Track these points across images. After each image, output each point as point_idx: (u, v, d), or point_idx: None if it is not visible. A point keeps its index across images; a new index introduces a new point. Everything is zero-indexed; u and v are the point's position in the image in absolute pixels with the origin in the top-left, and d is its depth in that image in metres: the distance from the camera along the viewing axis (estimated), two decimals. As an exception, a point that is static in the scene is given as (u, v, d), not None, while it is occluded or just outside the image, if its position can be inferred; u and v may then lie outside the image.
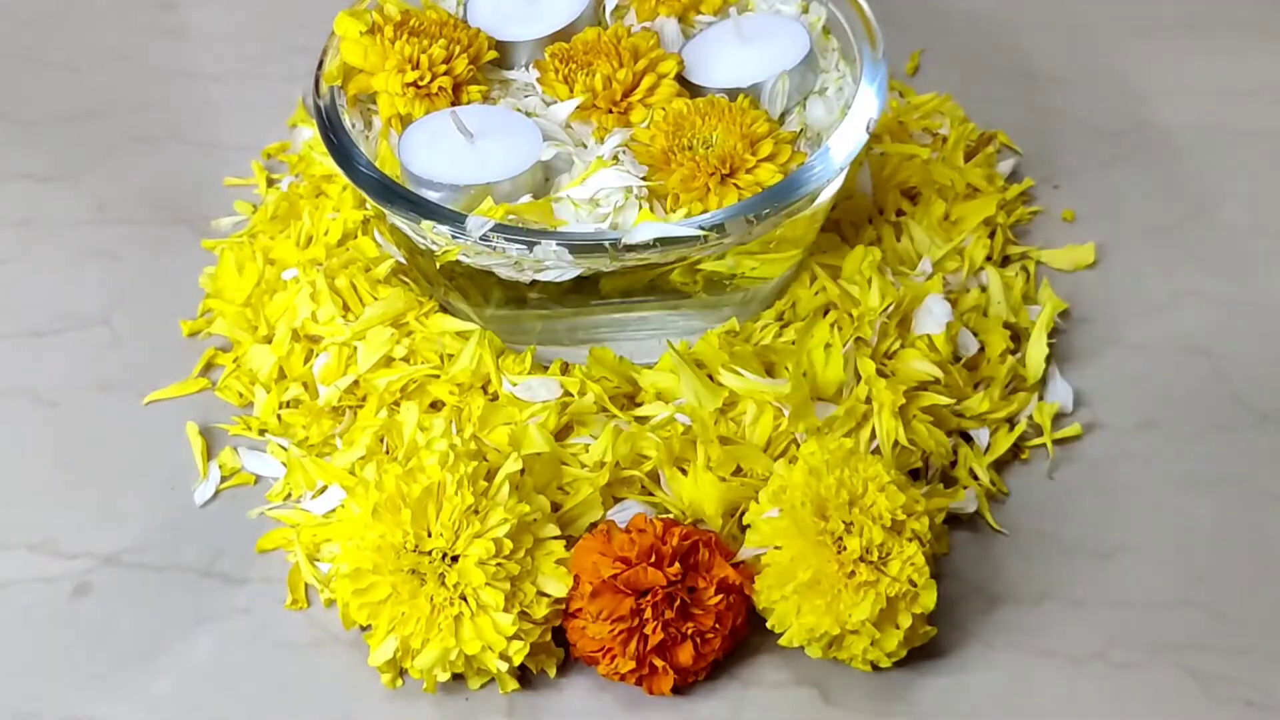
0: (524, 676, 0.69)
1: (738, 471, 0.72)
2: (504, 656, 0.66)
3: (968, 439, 0.76)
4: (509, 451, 0.72)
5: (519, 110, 0.75)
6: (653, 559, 0.67)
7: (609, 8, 0.80)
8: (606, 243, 0.68)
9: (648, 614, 0.66)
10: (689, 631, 0.67)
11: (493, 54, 0.76)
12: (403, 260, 0.78)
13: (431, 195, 0.71)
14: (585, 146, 0.74)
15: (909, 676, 0.69)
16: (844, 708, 0.68)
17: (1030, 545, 0.73)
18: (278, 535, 0.74)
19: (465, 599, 0.66)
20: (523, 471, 0.69)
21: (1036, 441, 0.76)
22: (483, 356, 0.74)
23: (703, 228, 0.69)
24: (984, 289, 0.80)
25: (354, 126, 0.75)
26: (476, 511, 0.66)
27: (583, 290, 0.71)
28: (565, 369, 0.75)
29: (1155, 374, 0.77)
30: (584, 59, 0.75)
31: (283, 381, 0.77)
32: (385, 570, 0.66)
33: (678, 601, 0.67)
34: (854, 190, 0.81)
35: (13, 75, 0.96)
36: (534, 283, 0.71)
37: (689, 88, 0.76)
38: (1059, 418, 0.77)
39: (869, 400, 0.73)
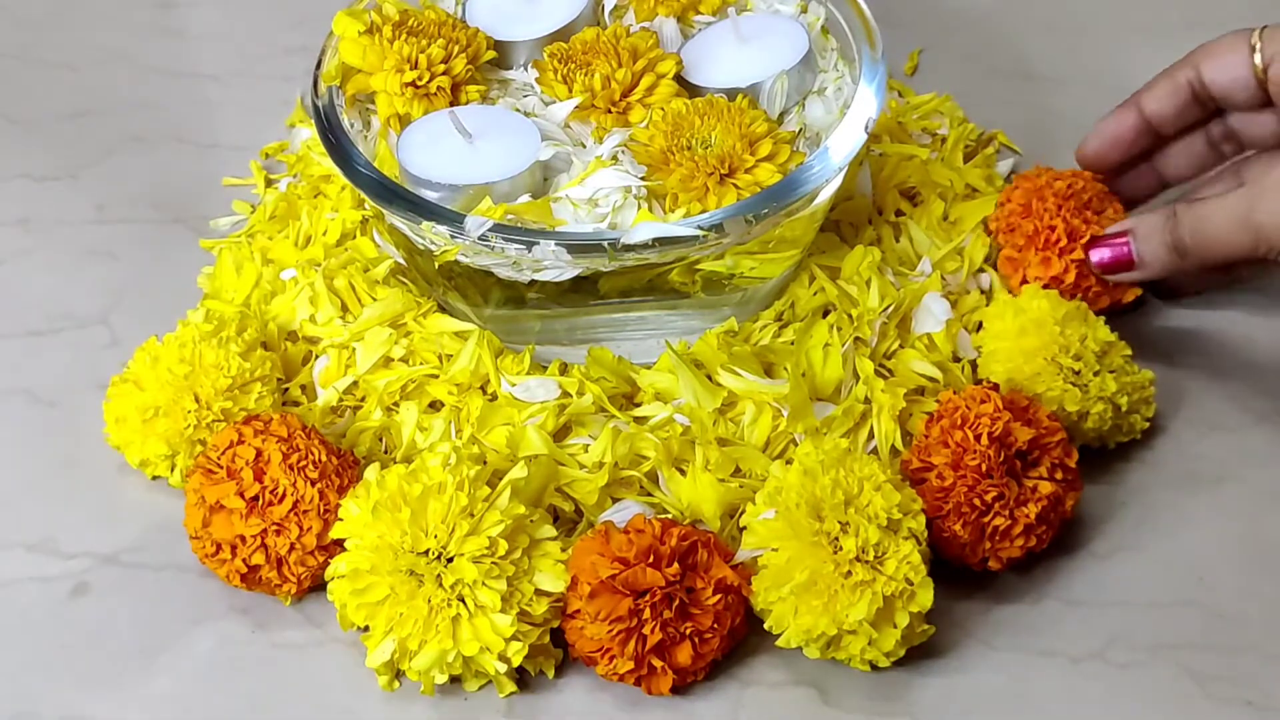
0: (522, 677, 0.69)
1: (736, 472, 0.72)
2: (503, 658, 0.66)
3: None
4: (507, 452, 0.72)
5: (518, 110, 0.75)
6: (651, 559, 0.67)
7: (607, 7, 0.80)
8: (605, 243, 0.68)
9: (646, 614, 0.66)
10: (687, 632, 0.67)
11: (491, 54, 0.76)
12: (401, 260, 0.78)
13: (430, 195, 0.71)
14: (584, 146, 0.74)
15: (908, 676, 0.69)
16: (843, 708, 0.68)
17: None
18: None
19: (463, 600, 0.66)
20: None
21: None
22: (481, 357, 0.74)
23: (701, 228, 0.69)
24: (984, 290, 0.80)
25: (352, 126, 0.75)
26: (472, 514, 0.66)
27: (581, 290, 0.71)
28: (564, 369, 0.75)
29: (1156, 374, 0.77)
30: (583, 59, 0.75)
31: (282, 383, 0.77)
32: (383, 571, 0.66)
33: (676, 602, 0.66)
34: (853, 190, 0.81)
35: (11, 75, 0.96)
36: (533, 283, 0.71)
37: (688, 88, 0.76)
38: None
39: (868, 401, 0.73)
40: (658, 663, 0.67)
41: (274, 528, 0.69)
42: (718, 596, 0.67)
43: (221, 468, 0.70)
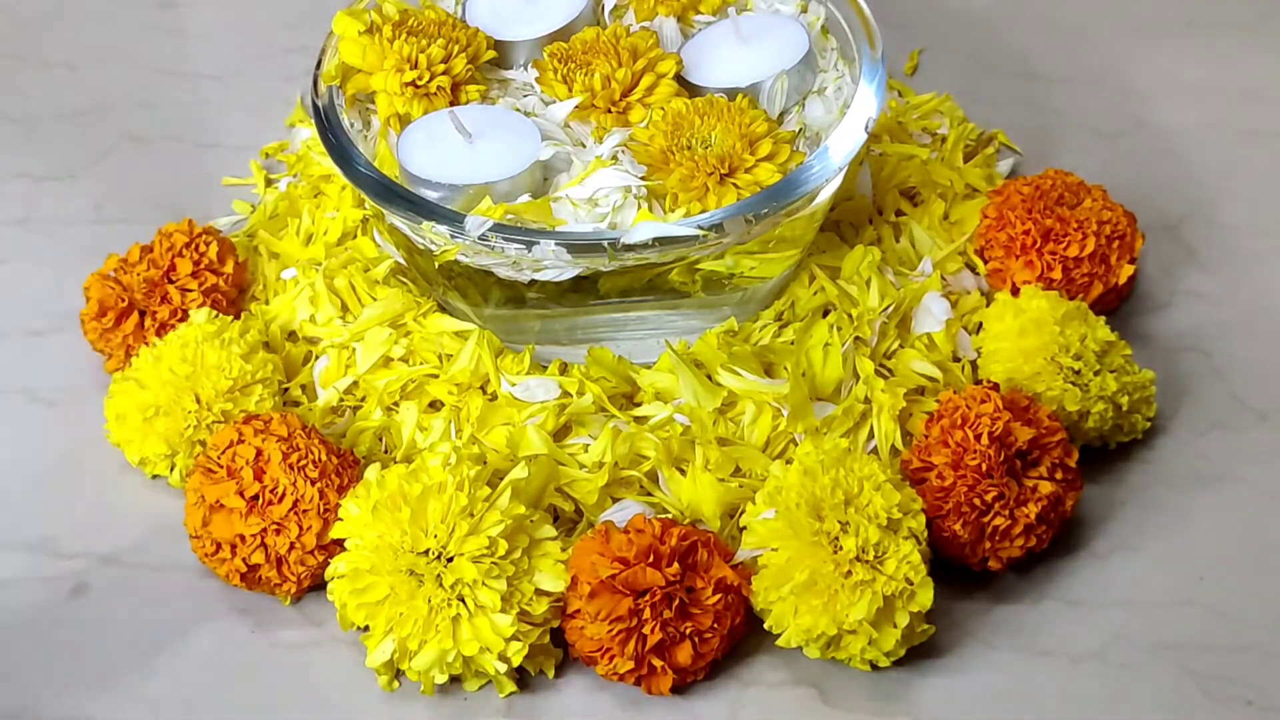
0: (522, 677, 0.69)
1: (736, 472, 0.72)
2: (503, 658, 0.66)
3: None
4: (507, 452, 0.72)
5: (518, 110, 0.75)
6: (651, 559, 0.66)
7: (608, 7, 0.80)
8: (605, 242, 0.68)
9: (646, 614, 0.66)
10: (687, 631, 0.67)
11: (491, 54, 0.76)
12: (401, 260, 0.78)
13: (430, 195, 0.71)
14: (584, 146, 0.74)
15: (908, 676, 0.69)
16: (843, 707, 0.68)
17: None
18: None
19: (463, 600, 0.66)
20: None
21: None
22: (481, 356, 0.74)
23: (701, 227, 0.69)
24: (984, 291, 0.80)
25: (352, 126, 0.75)
26: (472, 514, 0.66)
27: (581, 290, 0.71)
28: (564, 369, 0.75)
29: (1156, 374, 0.77)
30: (583, 59, 0.75)
31: (282, 384, 0.77)
32: (383, 571, 0.66)
33: (676, 601, 0.66)
34: (853, 190, 0.81)
35: (11, 74, 0.96)
36: (532, 282, 0.71)
37: (688, 87, 0.76)
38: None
39: (868, 400, 0.73)
40: (658, 662, 0.67)
41: (274, 527, 0.69)
42: (718, 596, 0.67)
43: (221, 467, 0.70)
